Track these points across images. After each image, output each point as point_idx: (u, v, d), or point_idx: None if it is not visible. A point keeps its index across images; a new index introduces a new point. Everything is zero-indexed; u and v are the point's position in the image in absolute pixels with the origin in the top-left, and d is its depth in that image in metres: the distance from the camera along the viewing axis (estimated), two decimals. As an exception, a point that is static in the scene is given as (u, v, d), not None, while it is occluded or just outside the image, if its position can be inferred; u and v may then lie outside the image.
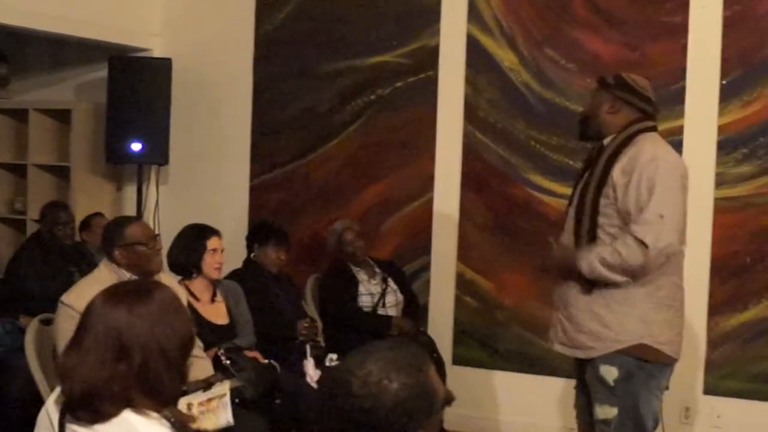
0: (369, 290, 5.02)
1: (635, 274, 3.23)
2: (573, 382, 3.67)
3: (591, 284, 3.30)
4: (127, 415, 1.93)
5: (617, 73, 3.46)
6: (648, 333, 3.28)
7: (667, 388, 3.44)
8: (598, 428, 3.36)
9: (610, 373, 3.30)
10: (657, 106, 3.45)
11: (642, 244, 3.16)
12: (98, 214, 5.74)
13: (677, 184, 3.25)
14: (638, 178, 3.20)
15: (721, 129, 4.77)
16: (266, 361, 4.21)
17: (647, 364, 3.30)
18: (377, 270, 5.11)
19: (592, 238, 3.30)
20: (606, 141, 3.37)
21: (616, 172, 3.25)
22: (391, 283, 5.10)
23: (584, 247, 3.30)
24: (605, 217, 3.28)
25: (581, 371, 3.49)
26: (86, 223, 5.72)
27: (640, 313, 3.27)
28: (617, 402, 3.30)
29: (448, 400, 1.75)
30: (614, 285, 3.27)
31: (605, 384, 3.31)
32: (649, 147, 3.27)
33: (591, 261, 3.25)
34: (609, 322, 3.29)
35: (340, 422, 1.67)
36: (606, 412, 3.32)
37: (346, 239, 5.05)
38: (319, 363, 4.53)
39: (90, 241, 5.53)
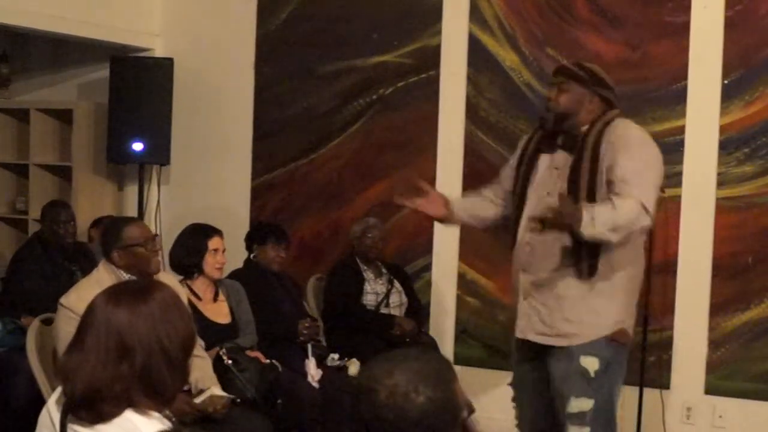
0: (374, 289, 5.04)
1: (624, 231, 3.20)
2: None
3: (592, 270, 3.30)
4: (129, 415, 1.93)
5: (582, 65, 3.49)
6: (626, 317, 3.40)
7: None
8: (570, 422, 3.34)
9: (591, 364, 3.32)
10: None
11: (642, 206, 3.19)
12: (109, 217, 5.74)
13: (661, 166, 3.37)
14: (632, 151, 3.27)
15: (722, 129, 4.76)
16: (268, 360, 4.21)
17: (621, 352, 3.39)
18: (384, 271, 5.14)
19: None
20: (583, 129, 3.39)
21: (606, 151, 3.29)
22: (396, 284, 5.12)
23: (582, 244, 3.28)
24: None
25: (537, 367, 3.46)
26: (96, 222, 5.69)
27: (622, 299, 3.37)
28: (594, 394, 3.32)
29: (469, 411, 1.75)
30: (604, 273, 3.30)
31: (586, 376, 3.32)
32: (634, 127, 3.40)
33: (594, 215, 3.17)
34: (599, 308, 3.33)
35: (359, 429, 1.66)
36: (582, 404, 3.32)
37: (371, 234, 5.08)
38: (320, 363, 4.54)
39: (97, 239, 5.52)
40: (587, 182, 3.30)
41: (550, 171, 3.45)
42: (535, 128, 3.60)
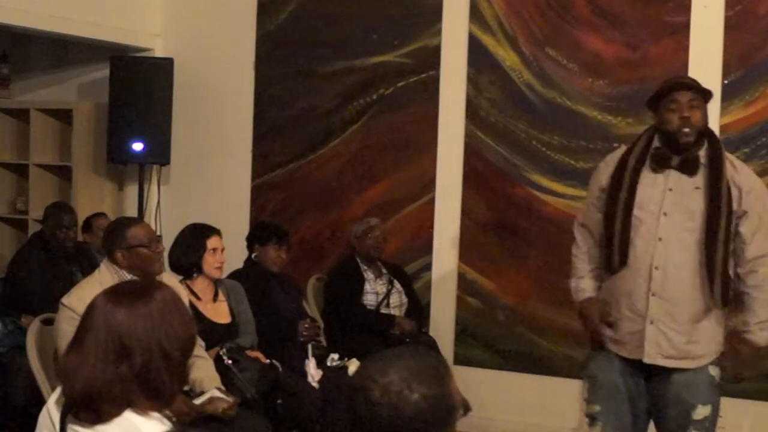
0: (375, 289, 5.05)
1: None
2: (573, 382, 3.65)
3: (725, 295, 3.34)
4: (129, 416, 1.93)
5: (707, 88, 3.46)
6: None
7: None
8: (695, 428, 3.39)
9: (717, 373, 3.43)
10: None
11: None
12: (100, 215, 5.72)
13: None
14: (762, 204, 3.37)
15: (722, 129, 4.76)
16: (268, 360, 4.21)
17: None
18: (384, 271, 5.14)
19: (725, 264, 3.31)
20: (701, 152, 3.36)
21: (743, 193, 3.33)
22: (396, 284, 5.13)
23: (717, 272, 3.29)
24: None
25: (635, 384, 3.47)
26: (87, 224, 5.70)
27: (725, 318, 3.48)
28: (714, 399, 3.44)
29: (465, 409, 1.75)
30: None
31: (714, 384, 3.43)
32: (749, 170, 3.47)
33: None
34: (717, 328, 3.43)
35: (355, 428, 1.66)
36: (705, 411, 3.41)
37: (374, 234, 5.10)
38: (320, 363, 4.54)
39: (92, 242, 5.51)
40: (725, 224, 3.29)
41: (660, 190, 3.36)
42: (628, 148, 3.47)
